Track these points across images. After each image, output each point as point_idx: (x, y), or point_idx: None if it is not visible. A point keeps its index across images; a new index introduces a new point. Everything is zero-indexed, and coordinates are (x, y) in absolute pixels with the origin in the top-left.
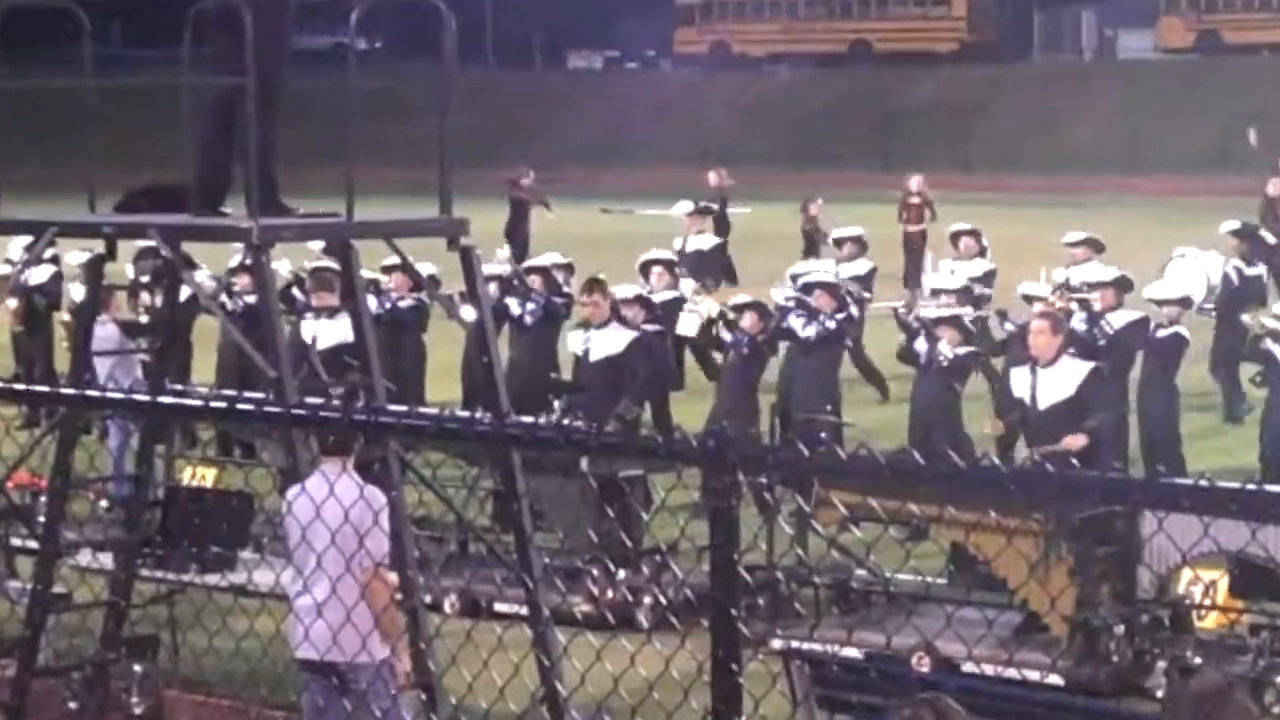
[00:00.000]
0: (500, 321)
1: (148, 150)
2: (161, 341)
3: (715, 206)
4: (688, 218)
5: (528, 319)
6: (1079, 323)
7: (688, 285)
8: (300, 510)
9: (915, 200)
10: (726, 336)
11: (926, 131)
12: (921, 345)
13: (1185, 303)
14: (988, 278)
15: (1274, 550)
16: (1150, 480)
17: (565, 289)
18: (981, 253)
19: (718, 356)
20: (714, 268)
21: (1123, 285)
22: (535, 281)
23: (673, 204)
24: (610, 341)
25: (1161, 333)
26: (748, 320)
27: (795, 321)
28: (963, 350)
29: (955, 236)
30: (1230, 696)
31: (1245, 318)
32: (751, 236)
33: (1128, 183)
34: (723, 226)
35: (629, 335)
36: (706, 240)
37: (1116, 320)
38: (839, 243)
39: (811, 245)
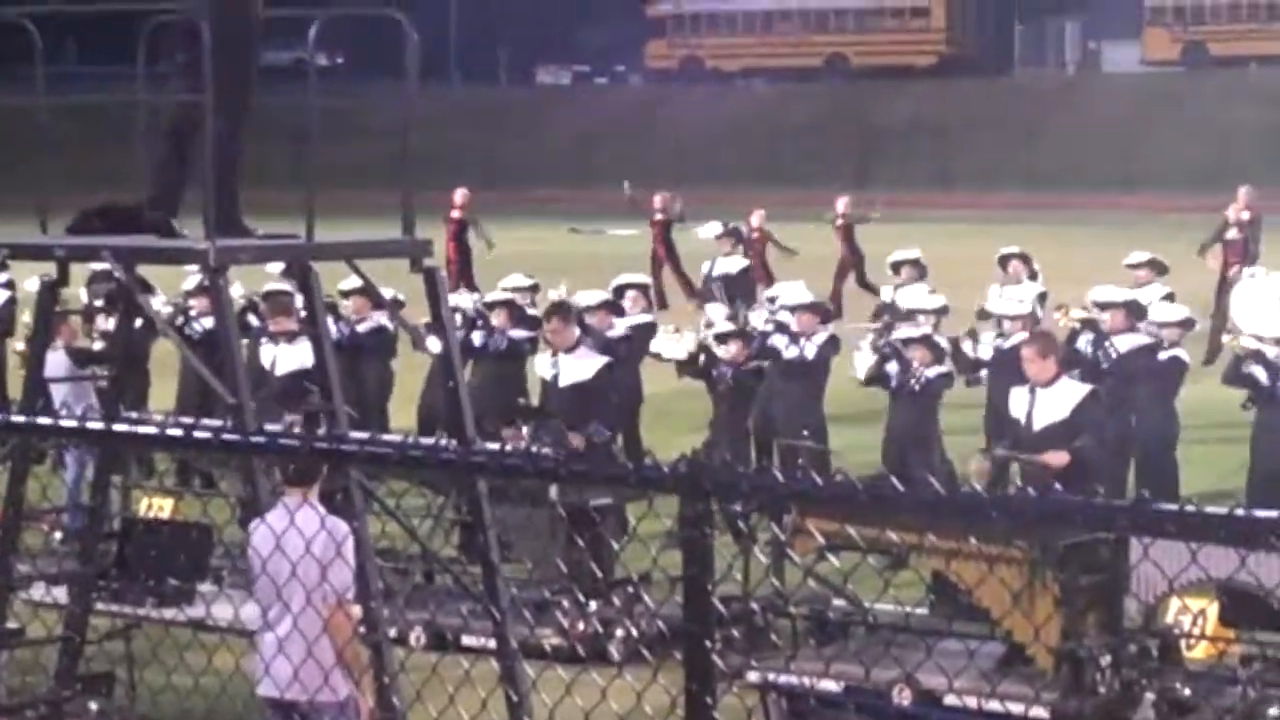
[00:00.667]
0: (465, 356)
1: (102, 170)
2: (117, 368)
3: (742, 228)
4: (717, 239)
5: (490, 350)
6: (1085, 344)
7: (718, 311)
8: (261, 543)
9: (841, 222)
10: (781, 345)
11: (905, 148)
12: (893, 368)
13: (1187, 325)
14: (1040, 301)
15: (1264, 578)
16: (1136, 505)
17: (531, 311)
18: (1033, 276)
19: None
20: (743, 290)
21: (1134, 309)
22: (499, 316)
23: (640, 224)
24: (579, 368)
25: (1162, 355)
26: (732, 349)
27: (779, 341)
28: (934, 372)
29: (1004, 260)
30: None
31: (1225, 338)
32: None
33: (1115, 200)
34: (670, 249)
35: (598, 361)
36: (735, 263)
37: (1123, 344)
38: (895, 267)
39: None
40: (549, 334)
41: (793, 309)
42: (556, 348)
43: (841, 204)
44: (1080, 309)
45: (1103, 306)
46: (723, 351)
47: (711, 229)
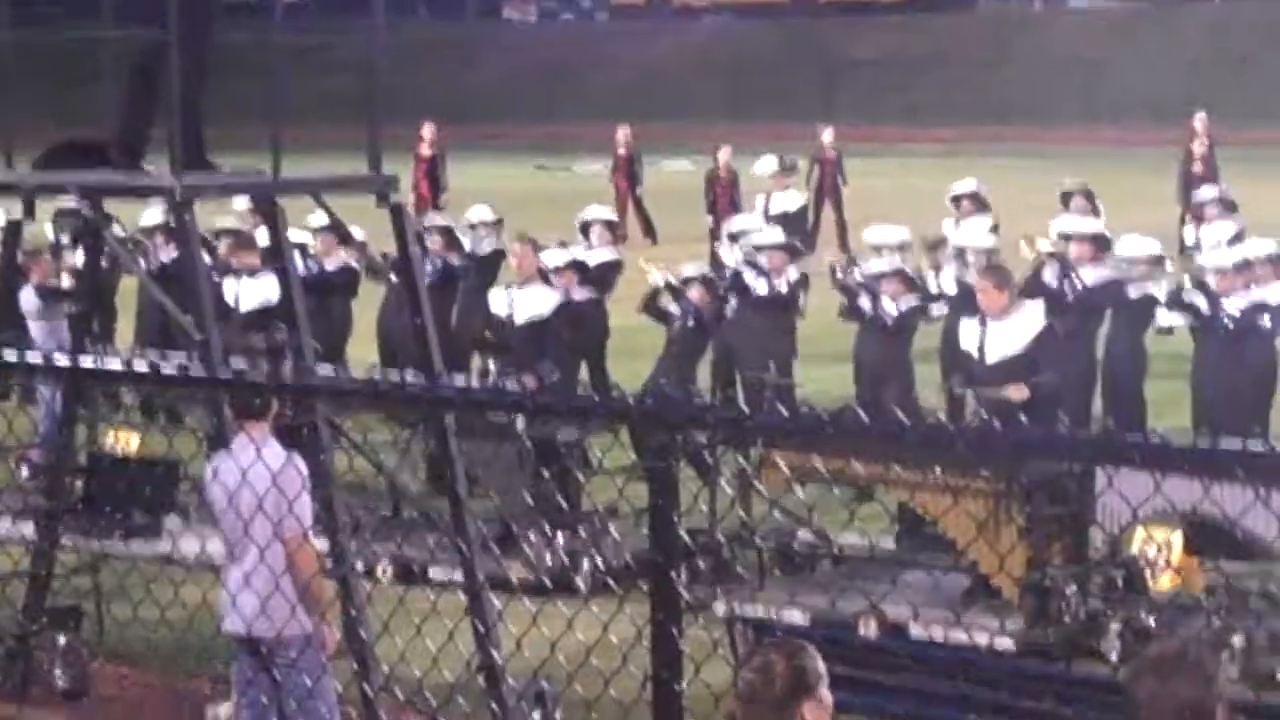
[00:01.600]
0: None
1: (68, 107)
2: (84, 304)
3: (799, 162)
4: (772, 177)
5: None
6: (1050, 276)
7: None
8: (215, 480)
9: (831, 154)
10: (673, 308)
11: (871, 82)
12: (865, 303)
13: (1158, 261)
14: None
15: (1228, 508)
16: (1101, 437)
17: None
18: (1095, 212)
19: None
20: (799, 229)
21: (1101, 241)
22: (435, 242)
23: (606, 160)
24: (535, 303)
25: (1132, 290)
26: (695, 293)
27: (749, 278)
28: (907, 305)
29: (1066, 196)
30: (1190, 661)
31: (1169, 267)
32: (694, 192)
33: (1083, 134)
34: (632, 183)
35: (555, 297)
36: (792, 200)
37: (1089, 276)
38: (956, 200)
39: (722, 197)
40: (513, 258)
41: (762, 248)
42: (517, 274)
43: (828, 134)
44: (1046, 240)
45: (1068, 238)
46: (689, 292)
47: (767, 165)
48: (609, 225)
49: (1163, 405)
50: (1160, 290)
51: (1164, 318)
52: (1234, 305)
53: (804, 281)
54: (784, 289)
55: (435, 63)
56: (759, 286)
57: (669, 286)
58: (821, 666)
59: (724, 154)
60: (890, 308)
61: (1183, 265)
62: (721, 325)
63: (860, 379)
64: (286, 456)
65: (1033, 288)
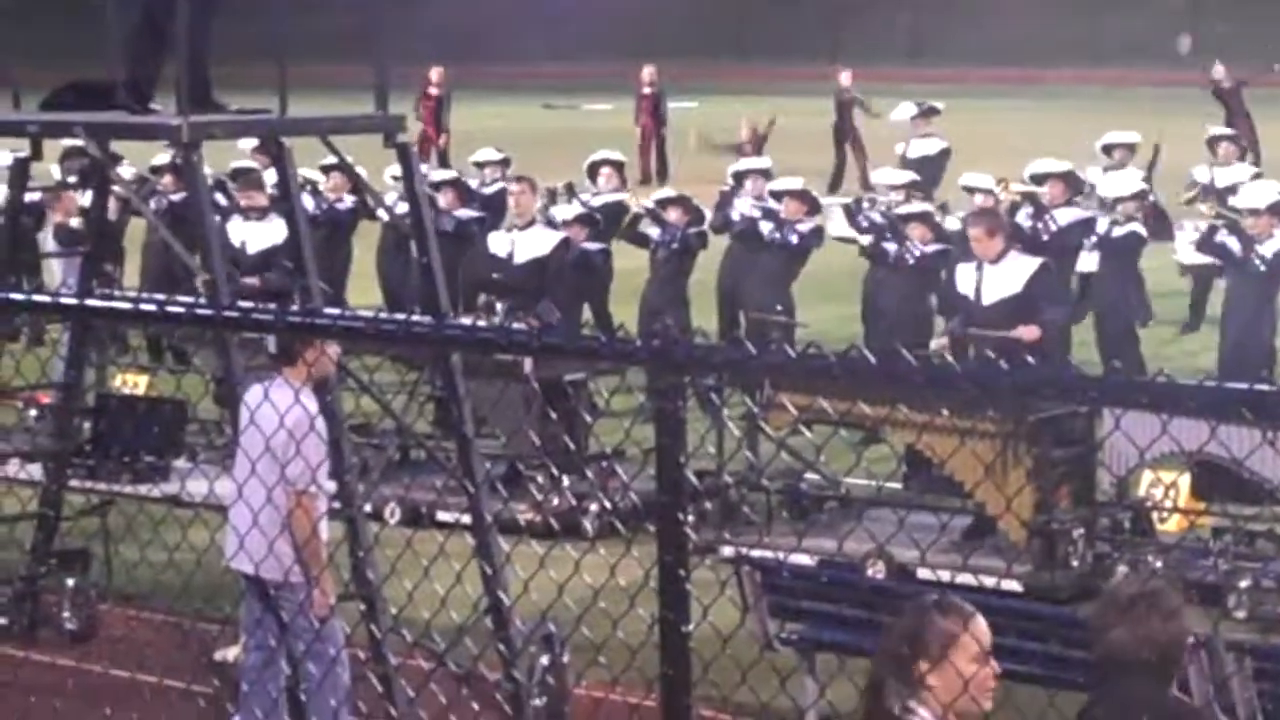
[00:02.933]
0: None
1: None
2: (91, 243)
3: (940, 107)
4: (912, 121)
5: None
6: (1024, 217)
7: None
8: (245, 415)
9: (847, 96)
10: (653, 232)
11: (877, 21)
12: (891, 246)
13: (1141, 196)
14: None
15: (1236, 450)
16: (1108, 377)
17: (496, 187)
18: (1242, 156)
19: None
20: (938, 173)
21: (1072, 180)
22: (447, 197)
23: (615, 98)
24: (535, 243)
25: (1118, 230)
26: (674, 214)
27: (763, 225)
28: (933, 248)
29: (1213, 142)
30: (1158, 600)
31: (1202, 208)
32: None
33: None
34: (657, 123)
35: (555, 237)
36: (933, 144)
37: (1063, 217)
38: (1108, 149)
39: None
40: (511, 197)
41: (781, 194)
42: (518, 215)
43: (845, 77)
44: (1019, 182)
45: (1040, 179)
46: (667, 214)
47: (906, 110)
48: (617, 167)
49: (1157, 346)
50: (1143, 229)
51: (1186, 254)
52: (1268, 248)
53: (818, 233)
54: (795, 239)
55: (441, 1)
56: (770, 233)
57: (649, 211)
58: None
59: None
60: (914, 248)
61: (1208, 205)
62: (726, 266)
63: (878, 323)
64: (312, 411)
65: (1009, 231)
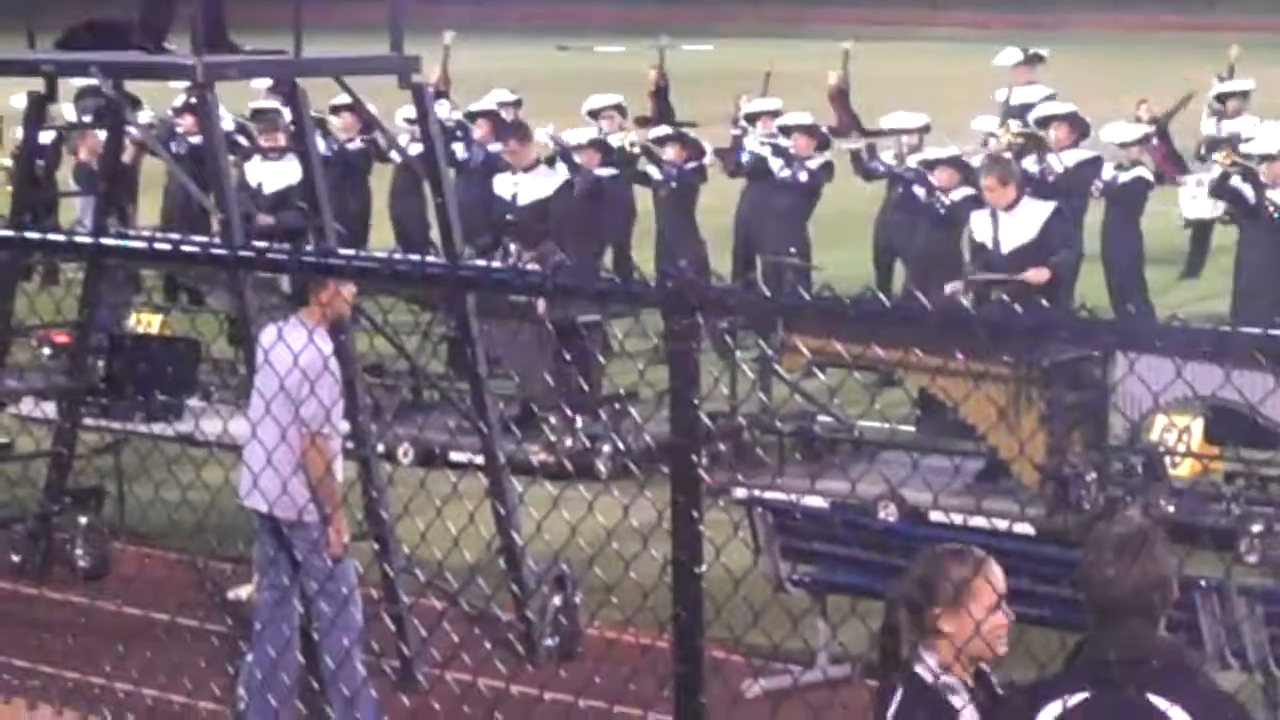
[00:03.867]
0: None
1: None
2: (105, 183)
3: (1044, 54)
4: (1014, 68)
5: (471, 164)
6: (1031, 163)
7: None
8: (260, 355)
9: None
10: (652, 171)
11: None
12: (919, 190)
13: (1147, 140)
14: None
15: (1249, 394)
16: (1122, 321)
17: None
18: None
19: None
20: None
21: (1076, 123)
22: (481, 128)
23: (629, 39)
24: (538, 185)
25: (1123, 175)
26: (671, 152)
27: (773, 162)
28: (960, 194)
29: (1222, 97)
30: (1150, 541)
31: (1217, 156)
32: (715, 75)
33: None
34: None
35: (558, 178)
36: (1036, 92)
37: (1069, 159)
38: (1221, 98)
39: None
40: (507, 155)
41: (790, 129)
42: (515, 167)
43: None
44: (1020, 124)
45: (1044, 122)
46: (665, 153)
47: (1010, 55)
48: (619, 109)
49: (1164, 291)
50: (1150, 173)
51: (1189, 208)
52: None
53: (828, 169)
54: (805, 176)
55: None
56: (781, 171)
57: (645, 150)
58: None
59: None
60: (943, 196)
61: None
62: (742, 208)
63: (910, 269)
64: (326, 352)
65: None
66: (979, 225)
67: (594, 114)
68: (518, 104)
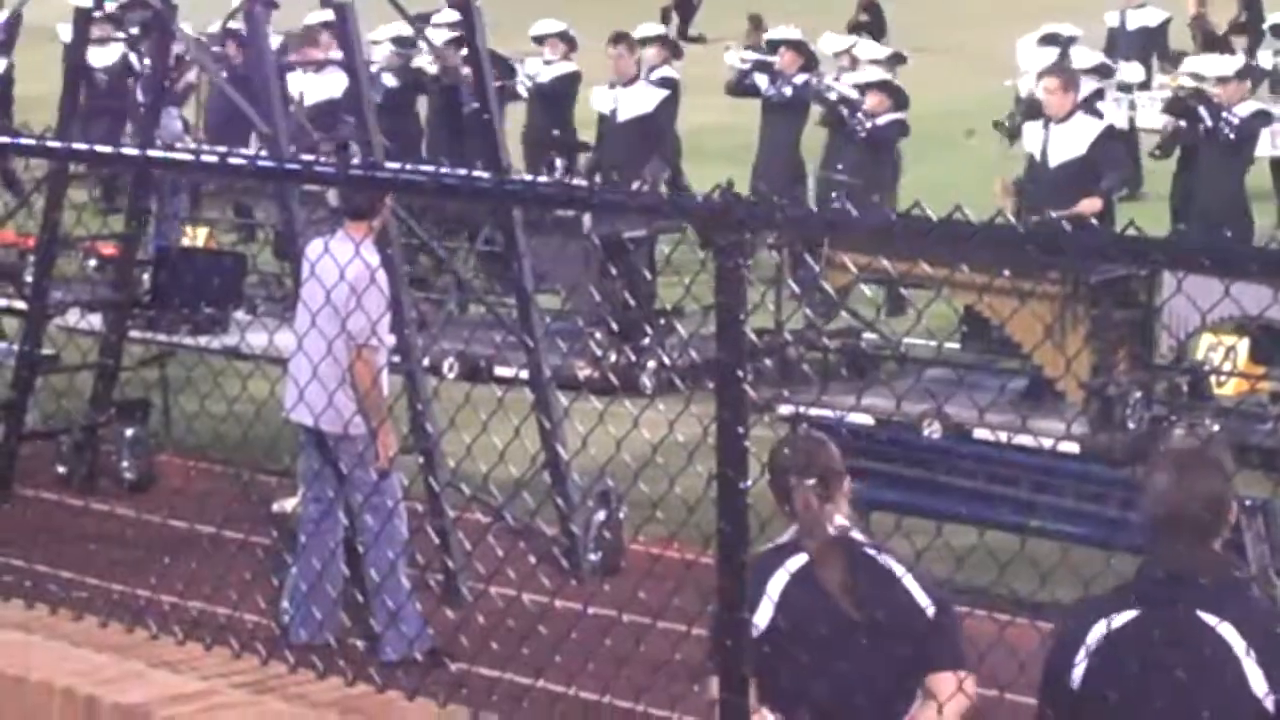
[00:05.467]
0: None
1: None
2: (152, 96)
3: None
4: None
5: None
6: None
7: (1135, 70)
8: (306, 268)
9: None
10: (763, 85)
11: None
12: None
13: (1105, 71)
14: None
15: None
16: (1169, 239)
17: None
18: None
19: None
20: (1160, 45)
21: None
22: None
23: None
24: (639, 99)
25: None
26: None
27: (759, 79)
28: (887, 119)
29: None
30: (1208, 458)
31: (1165, 78)
32: None
33: None
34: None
35: (659, 94)
36: (1151, 15)
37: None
38: (1276, 30)
39: None
40: (611, 61)
41: (776, 45)
42: (617, 76)
43: None
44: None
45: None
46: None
47: None
48: (562, 38)
49: None
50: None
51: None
52: (1236, 114)
53: (808, 87)
54: (790, 91)
55: None
56: (767, 88)
57: (756, 64)
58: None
59: None
60: (870, 120)
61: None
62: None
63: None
64: (373, 265)
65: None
66: (1030, 136)
67: (538, 40)
68: (563, 36)
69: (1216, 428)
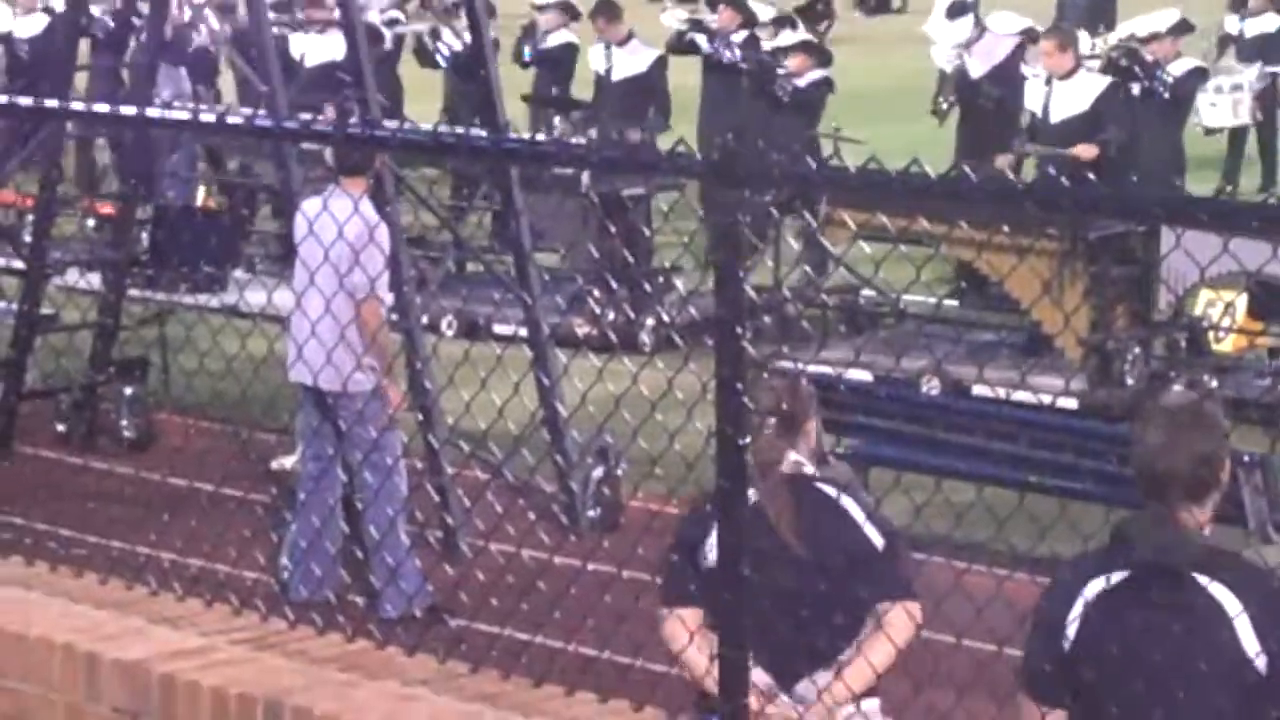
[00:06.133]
0: None
1: None
2: (151, 55)
3: None
4: None
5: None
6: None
7: (1254, 72)
8: (302, 226)
9: None
10: (703, 44)
11: None
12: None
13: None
14: None
15: None
16: (1169, 195)
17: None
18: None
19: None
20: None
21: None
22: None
23: None
24: (632, 60)
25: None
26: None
27: (699, 39)
28: (809, 79)
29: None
30: (1203, 414)
31: (1095, 39)
32: None
33: None
34: None
35: (652, 54)
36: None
37: (1176, 69)
38: None
39: None
40: (598, 32)
41: (715, 2)
42: (609, 41)
43: None
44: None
45: (1145, 40)
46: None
47: None
48: (562, 8)
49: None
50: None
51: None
52: (1171, 72)
53: (746, 44)
54: (729, 54)
55: None
56: (706, 45)
57: (692, 23)
58: None
59: None
60: (787, 83)
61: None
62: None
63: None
64: (372, 222)
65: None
66: (1032, 93)
67: (540, 9)
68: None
69: (1214, 383)
